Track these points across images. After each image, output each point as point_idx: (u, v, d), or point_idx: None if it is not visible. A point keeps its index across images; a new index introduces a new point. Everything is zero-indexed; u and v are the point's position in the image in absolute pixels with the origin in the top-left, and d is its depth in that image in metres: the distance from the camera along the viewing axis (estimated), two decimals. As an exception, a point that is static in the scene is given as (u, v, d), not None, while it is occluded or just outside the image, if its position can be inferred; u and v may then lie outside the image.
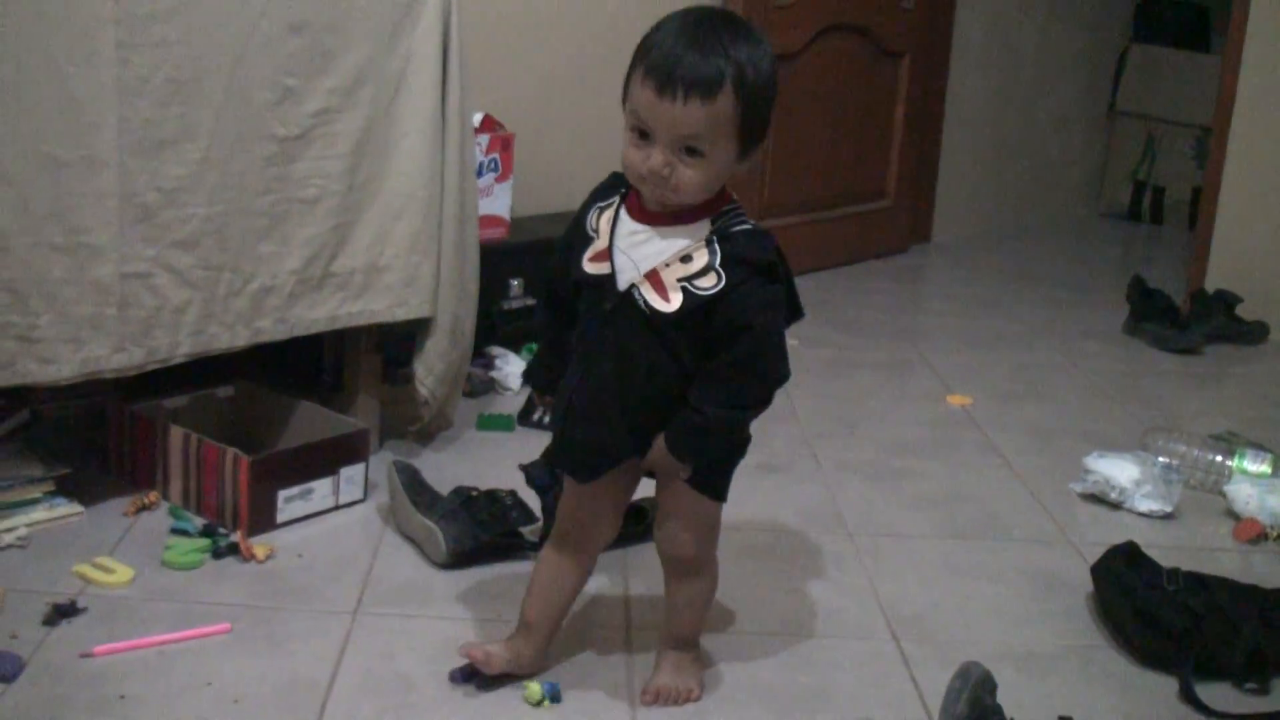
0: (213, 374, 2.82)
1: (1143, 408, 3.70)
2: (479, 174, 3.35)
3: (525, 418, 3.21)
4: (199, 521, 2.55)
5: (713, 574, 2.13)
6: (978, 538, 2.78)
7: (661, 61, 1.76)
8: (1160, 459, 3.03)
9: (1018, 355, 4.13)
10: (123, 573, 2.34)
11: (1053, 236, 6.01)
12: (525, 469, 2.56)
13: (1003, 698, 1.96)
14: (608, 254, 1.89)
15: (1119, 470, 2.96)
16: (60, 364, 2.33)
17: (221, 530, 2.51)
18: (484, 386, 3.39)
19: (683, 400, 1.90)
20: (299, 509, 2.60)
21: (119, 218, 2.34)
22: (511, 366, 3.46)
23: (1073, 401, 3.73)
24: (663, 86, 1.75)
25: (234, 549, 2.45)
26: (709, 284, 1.83)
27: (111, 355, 2.38)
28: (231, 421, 2.86)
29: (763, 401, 1.92)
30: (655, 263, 1.85)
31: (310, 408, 2.83)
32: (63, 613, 2.19)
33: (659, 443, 1.93)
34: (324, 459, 2.63)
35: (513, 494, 2.57)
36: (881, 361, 3.98)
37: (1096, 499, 2.99)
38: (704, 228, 1.86)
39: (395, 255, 2.75)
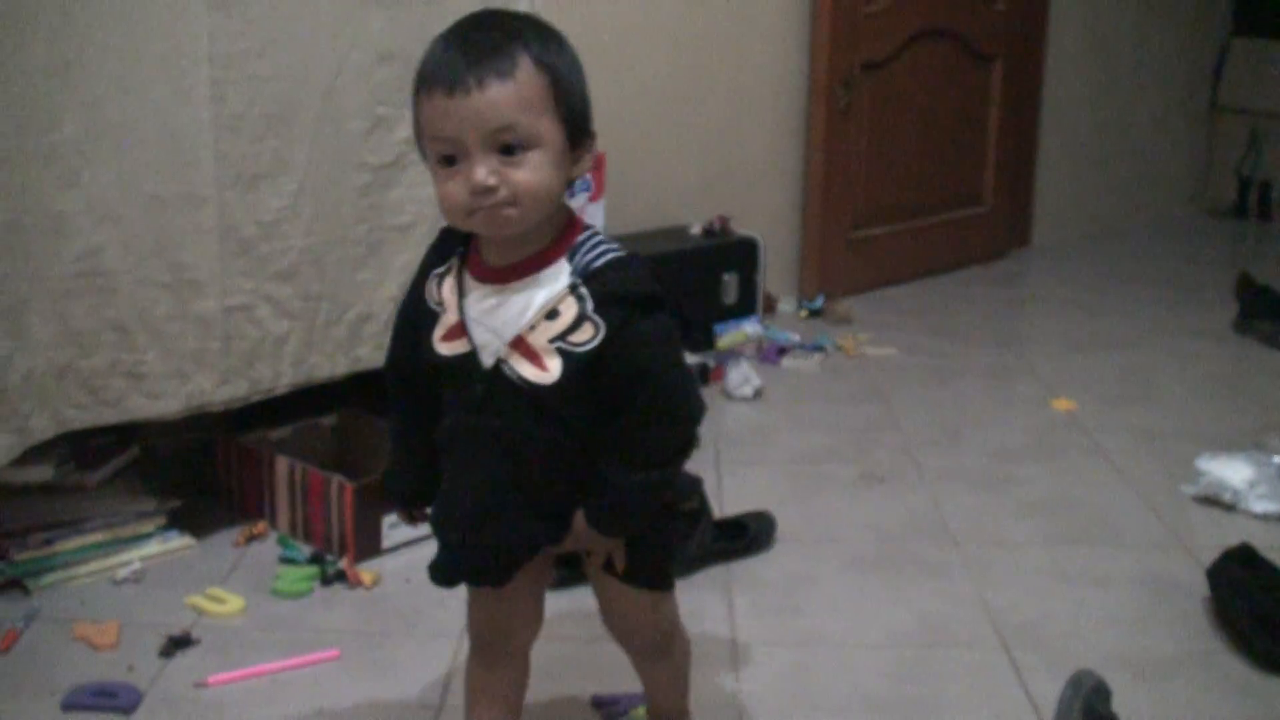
0: (315, 403, 2.85)
1: (1255, 407, 3.61)
2: (571, 194, 3.36)
3: (625, 436, 3.20)
4: (307, 550, 2.58)
5: (682, 646, 1.92)
6: (1087, 543, 2.73)
7: (441, 62, 1.49)
8: (1276, 459, 2.95)
9: (1123, 357, 4.05)
10: (234, 603, 2.37)
11: (1156, 236, 5.89)
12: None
13: (1118, 706, 1.92)
14: (461, 329, 1.59)
15: (1232, 471, 2.89)
16: (167, 399, 2.37)
17: (329, 558, 2.54)
18: (583, 406, 3.39)
19: (593, 466, 1.62)
20: (404, 534, 2.62)
21: (219, 252, 2.38)
22: (610, 386, 3.46)
23: (1182, 402, 3.65)
24: (452, 84, 1.47)
25: (341, 576, 2.48)
26: (586, 337, 1.53)
27: (217, 388, 2.42)
28: (335, 449, 2.90)
29: (682, 449, 1.63)
30: (519, 327, 1.55)
31: (412, 433, 2.85)
32: (177, 644, 2.23)
33: (578, 522, 1.64)
34: (427, 483, 2.65)
35: (614, 513, 2.56)
36: (984, 368, 3.93)
37: (1210, 501, 2.92)
38: (562, 271, 1.54)
39: (490, 279, 2.76)
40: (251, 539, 2.63)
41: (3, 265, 2.18)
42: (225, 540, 2.63)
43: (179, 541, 2.57)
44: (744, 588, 2.50)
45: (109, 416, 2.37)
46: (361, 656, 2.24)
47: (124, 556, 2.49)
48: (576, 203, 3.44)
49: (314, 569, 2.49)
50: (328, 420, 2.91)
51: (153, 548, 2.53)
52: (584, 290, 1.53)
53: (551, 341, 1.54)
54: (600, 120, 3.80)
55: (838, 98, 4.40)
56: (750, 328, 3.97)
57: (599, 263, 1.54)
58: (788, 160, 4.43)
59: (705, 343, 3.84)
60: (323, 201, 2.51)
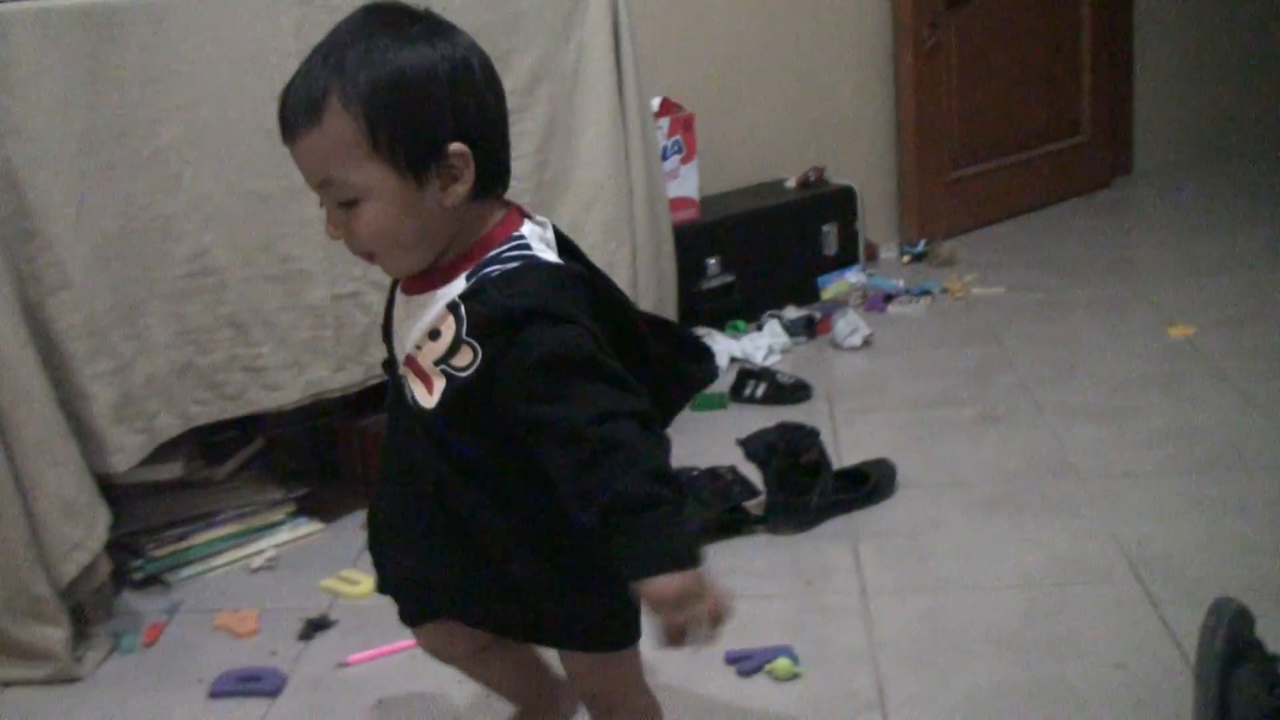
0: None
1: (1381, 316, 3.52)
2: (663, 157, 3.36)
3: (737, 394, 3.21)
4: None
5: (650, 712, 1.70)
6: (1218, 470, 2.67)
7: (280, 98, 1.37)
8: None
9: (1240, 279, 3.95)
10: (367, 583, 2.41)
11: (1264, 153, 5.74)
12: (743, 443, 2.56)
13: (1262, 632, 1.88)
14: (386, 339, 1.53)
15: (1364, 385, 2.82)
16: (286, 389, 2.41)
17: (454, 534, 2.57)
18: (692, 368, 3.39)
19: (509, 514, 1.44)
20: (526, 506, 2.64)
21: (324, 241, 2.40)
22: (717, 345, 3.46)
23: (1305, 320, 3.56)
24: (282, 131, 1.36)
25: (467, 551, 2.50)
26: (465, 362, 1.36)
27: (332, 375, 2.46)
28: (452, 428, 2.92)
29: (616, 465, 1.29)
30: (411, 345, 1.43)
31: (526, 406, 2.87)
32: (316, 626, 2.28)
33: (645, 590, 1.29)
34: (545, 455, 2.66)
35: (733, 470, 2.57)
36: (1095, 300, 3.85)
37: (1343, 417, 2.85)
38: (458, 287, 1.39)
39: (591, 246, 2.75)
40: (377, 521, 2.67)
41: (116, 271, 2.23)
42: (353, 523, 2.67)
43: (308, 527, 2.62)
44: (869, 537, 2.49)
45: (231, 410, 2.42)
46: (495, 629, 2.26)
47: (257, 545, 2.55)
48: (669, 166, 3.44)
49: (439, 547, 2.52)
50: (442, 400, 2.94)
51: (284, 535, 2.59)
52: (464, 311, 1.36)
53: (436, 364, 1.39)
54: (686, 81, 3.80)
55: (924, 38, 4.34)
56: (854, 277, 3.94)
57: (493, 277, 1.37)
58: (878, 105, 4.38)
59: (809, 295, 3.82)
60: (421, 183, 2.53)
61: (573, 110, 2.72)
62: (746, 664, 2.08)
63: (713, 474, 2.55)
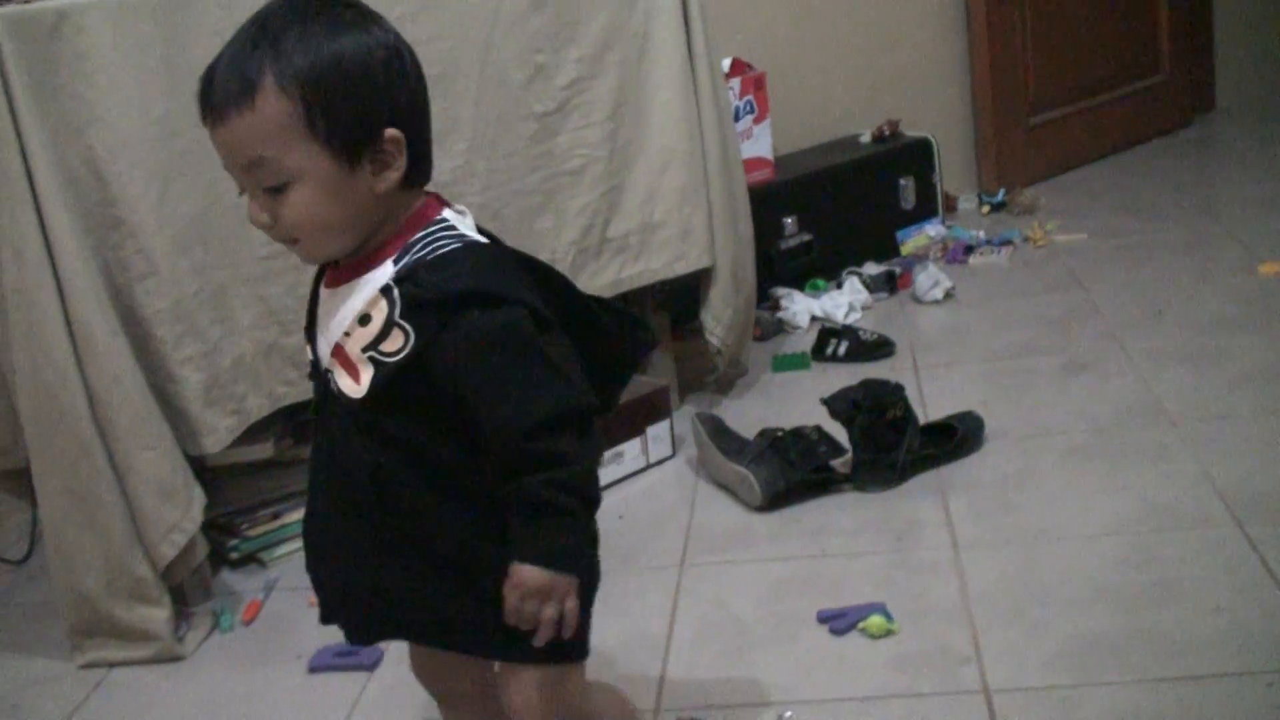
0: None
1: None
2: (736, 118, 3.34)
3: (819, 353, 3.19)
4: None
5: None
6: (1314, 408, 2.62)
7: (201, 80, 1.31)
8: None
9: (1330, 212, 3.87)
10: (458, 555, 2.43)
11: (1351, 81, 5.60)
12: (827, 402, 2.55)
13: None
14: (308, 337, 1.46)
15: None
16: (370, 365, 2.43)
17: (543, 502, 2.58)
18: (773, 328, 3.39)
19: (456, 503, 1.39)
20: (613, 472, 2.65)
21: (401, 218, 2.42)
22: (797, 305, 3.45)
23: (1400, 251, 3.48)
24: (203, 110, 1.30)
25: (557, 519, 2.52)
26: (395, 347, 1.32)
27: (416, 349, 2.47)
28: (536, 398, 2.93)
29: (570, 447, 1.33)
30: (338, 334, 1.37)
31: (608, 373, 2.87)
32: (409, 599, 2.30)
33: (512, 574, 1.35)
34: (630, 420, 2.67)
35: (818, 429, 2.55)
36: (1181, 241, 3.78)
37: None
38: (386, 272, 1.35)
39: (667, 211, 2.76)
40: (466, 493, 2.69)
41: (200, 256, 2.26)
42: (442, 497, 2.69)
43: (398, 503, 2.64)
44: (959, 490, 2.47)
45: (317, 389, 2.44)
46: (587, 595, 2.28)
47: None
48: (741, 126, 3.41)
49: (530, 516, 2.53)
50: (524, 370, 2.94)
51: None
52: (396, 294, 1.32)
53: (364, 351, 1.34)
54: (756, 40, 3.78)
55: (996, -18, 4.27)
56: (933, 230, 3.90)
57: (424, 260, 1.34)
58: (952, 54, 4.32)
59: (888, 250, 3.79)
60: (494, 155, 2.53)
61: (642, 75, 2.70)
62: (839, 622, 2.07)
63: (798, 434, 2.54)
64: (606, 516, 2.51)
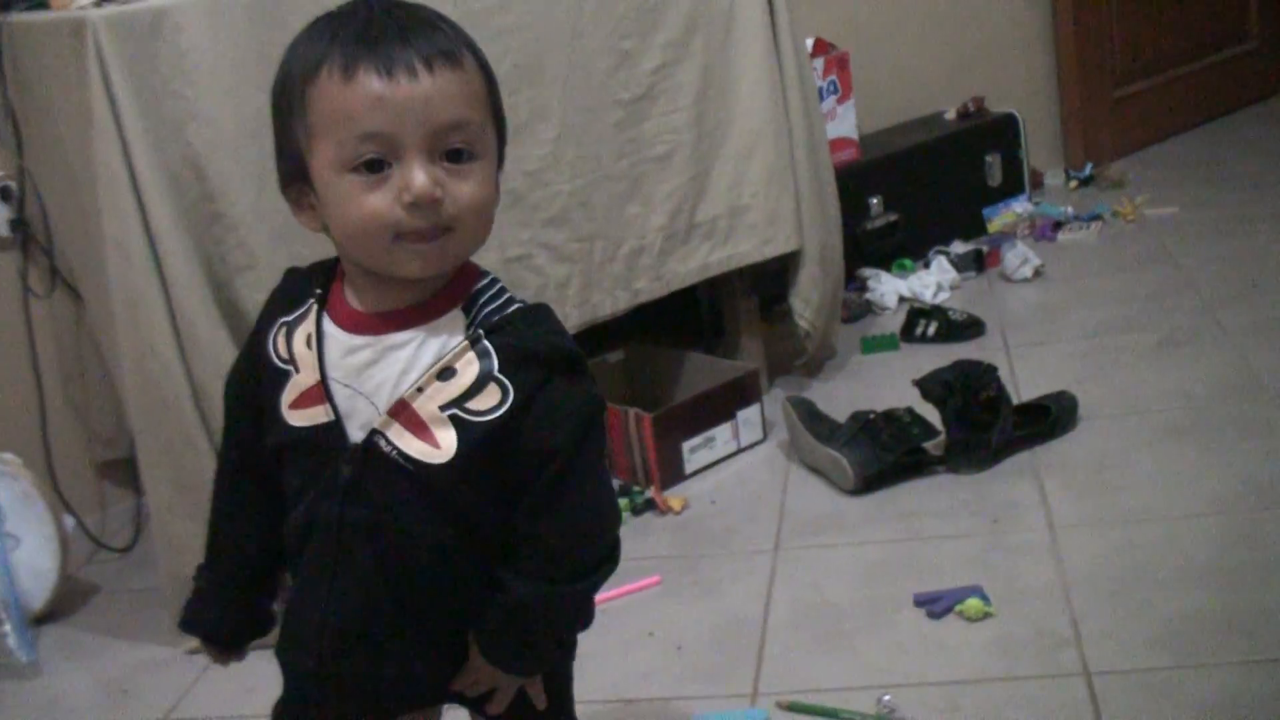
0: (599, 341, 2.90)
1: None
2: (820, 98, 3.32)
3: (908, 334, 3.18)
4: (614, 483, 2.65)
5: None
6: None
7: (365, 44, 1.14)
8: None
9: None
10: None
11: None
12: (919, 384, 2.54)
13: None
14: (321, 392, 1.22)
15: None
16: (464, 354, 2.45)
17: (636, 488, 2.60)
18: (861, 309, 3.38)
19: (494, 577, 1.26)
20: (704, 457, 2.66)
21: (492, 207, 2.44)
22: (884, 286, 3.43)
23: None
24: (389, 63, 1.13)
25: (651, 504, 2.53)
26: (491, 404, 1.18)
27: (508, 338, 2.49)
28: (626, 383, 2.95)
29: (607, 558, 1.26)
30: (402, 389, 1.20)
31: (697, 358, 2.89)
32: (506, 584, 2.32)
33: (474, 657, 1.27)
34: (720, 405, 2.68)
35: (910, 411, 2.55)
36: (1274, 211, 3.69)
37: None
38: (457, 321, 1.21)
39: (754, 194, 2.76)
40: (559, 478, 2.71)
41: (298, 248, 2.27)
42: (538, 482, 2.72)
43: (492, 489, 2.67)
44: (1054, 471, 2.45)
45: (413, 378, 2.46)
46: (682, 579, 2.29)
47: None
48: (825, 106, 3.40)
49: (623, 500, 2.55)
50: (614, 356, 2.96)
51: (469, 497, 2.64)
52: (488, 344, 1.19)
53: (444, 409, 1.19)
54: (838, 19, 3.76)
55: (1081, -47, 4.21)
56: (1020, 207, 3.86)
57: (505, 312, 1.22)
58: (1035, 27, 4.27)
59: (975, 228, 3.76)
60: (582, 143, 2.54)
61: (728, 58, 2.70)
62: (936, 606, 2.07)
63: (890, 416, 2.53)
64: (699, 501, 2.54)
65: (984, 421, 2.48)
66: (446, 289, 1.22)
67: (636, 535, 2.46)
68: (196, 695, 2.17)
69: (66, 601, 2.46)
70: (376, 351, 1.21)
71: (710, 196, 2.72)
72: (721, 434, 2.68)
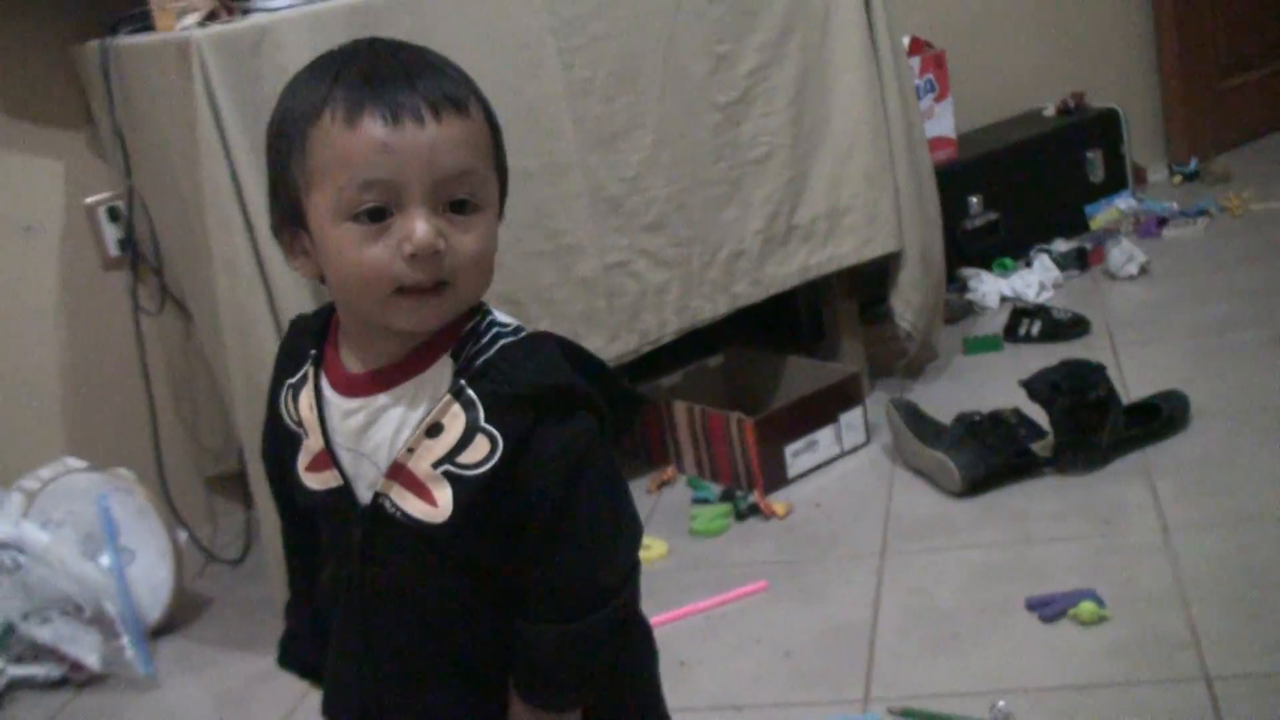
0: (697, 347, 2.89)
1: None
2: (917, 97, 3.29)
3: (1012, 334, 3.13)
4: (717, 488, 2.64)
5: None
6: None
7: (372, 88, 1.09)
8: None
9: None
10: (658, 547, 2.45)
11: None
12: (1026, 384, 2.50)
13: None
14: (328, 457, 1.19)
15: None
16: (565, 362, 2.46)
17: (739, 493, 2.59)
18: (962, 310, 3.34)
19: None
20: (807, 461, 2.64)
21: (591, 214, 2.45)
22: (986, 285, 3.39)
23: None
24: (395, 110, 1.08)
25: (755, 509, 2.52)
26: (480, 456, 1.13)
27: (608, 345, 2.50)
28: (726, 387, 2.94)
29: (621, 584, 1.20)
30: (396, 451, 1.15)
31: (797, 361, 2.87)
32: (612, 592, 2.32)
33: (513, 704, 1.23)
34: (822, 409, 2.66)
35: (1017, 412, 2.51)
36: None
37: None
38: (444, 369, 1.16)
39: (853, 195, 2.74)
40: (662, 485, 2.71)
41: (399, 259, 2.31)
42: (638, 489, 2.71)
43: (595, 496, 2.67)
44: (1165, 471, 2.40)
45: (515, 387, 2.47)
46: (788, 584, 2.28)
47: (547, 517, 2.61)
48: (922, 105, 3.36)
49: (727, 506, 2.54)
50: (714, 361, 2.95)
51: (572, 505, 2.64)
52: (471, 393, 1.13)
53: (436, 466, 1.14)
54: (934, 17, 3.72)
55: (1181, -57, 4.13)
56: (1123, 203, 3.80)
57: (490, 353, 1.14)
58: (1135, 19, 4.19)
59: (1077, 226, 3.70)
60: (679, 148, 2.54)
61: (825, 58, 2.68)
62: (1049, 609, 2.04)
63: (996, 418, 2.49)
64: (804, 505, 2.52)
65: (1093, 422, 2.43)
66: (435, 337, 1.16)
67: (740, 541, 2.45)
68: (310, 705, 2.17)
69: (181, 614, 2.50)
70: (370, 413, 1.17)
71: (809, 198, 2.71)
72: (824, 437, 2.66)
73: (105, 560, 2.41)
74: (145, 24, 2.28)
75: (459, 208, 1.10)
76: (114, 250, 2.63)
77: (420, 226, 1.08)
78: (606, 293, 2.48)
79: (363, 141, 1.07)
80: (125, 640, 2.33)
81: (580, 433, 1.14)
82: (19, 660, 2.38)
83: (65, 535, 2.39)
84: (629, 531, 1.21)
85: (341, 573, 1.22)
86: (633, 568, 1.22)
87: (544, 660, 1.19)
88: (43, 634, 2.35)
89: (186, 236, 2.32)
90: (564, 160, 2.41)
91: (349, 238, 1.09)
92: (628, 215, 2.49)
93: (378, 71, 1.09)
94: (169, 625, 2.48)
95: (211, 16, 2.17)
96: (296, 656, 1.36)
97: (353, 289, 1.12)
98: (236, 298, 2.12)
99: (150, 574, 2.45)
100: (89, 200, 2.63)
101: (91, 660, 2.33)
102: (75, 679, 2.36)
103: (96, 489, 2.45)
